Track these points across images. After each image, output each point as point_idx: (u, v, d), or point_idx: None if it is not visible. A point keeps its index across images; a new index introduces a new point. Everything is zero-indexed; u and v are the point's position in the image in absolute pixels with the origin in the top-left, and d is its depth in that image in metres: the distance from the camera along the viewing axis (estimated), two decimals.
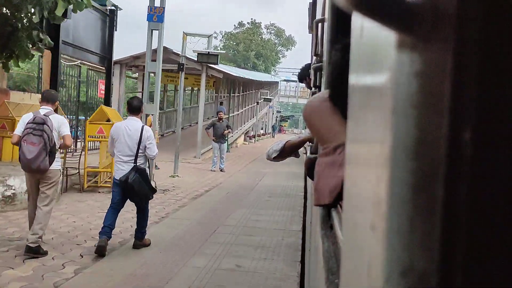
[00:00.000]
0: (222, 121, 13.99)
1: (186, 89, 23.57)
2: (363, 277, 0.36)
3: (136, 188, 5.05)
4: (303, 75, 4.48)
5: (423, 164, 0.28)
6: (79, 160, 8.78)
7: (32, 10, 7.01)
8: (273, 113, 50.41)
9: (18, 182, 6.80)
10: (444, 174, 0.27)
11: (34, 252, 4.72)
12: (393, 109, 0.30)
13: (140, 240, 5.28)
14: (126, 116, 5.86)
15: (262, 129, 46.40)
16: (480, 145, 0.26)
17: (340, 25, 1.66)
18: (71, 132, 5.40)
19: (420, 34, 0.29)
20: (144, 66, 12.15)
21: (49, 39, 7.55)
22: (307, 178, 4.58)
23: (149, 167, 5.80)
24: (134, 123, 5.27)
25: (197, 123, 18.63)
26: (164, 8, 9.99)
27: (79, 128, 15.26)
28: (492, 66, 0.27)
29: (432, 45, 0.28)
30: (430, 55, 0.28)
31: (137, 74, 22.21)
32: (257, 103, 33.10)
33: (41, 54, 9.70)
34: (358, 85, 0.47)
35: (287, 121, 72.82)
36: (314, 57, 2.57)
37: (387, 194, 0.30)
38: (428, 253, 0.27)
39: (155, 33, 10.12)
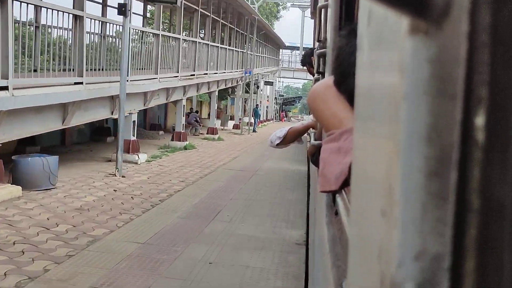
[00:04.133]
0: None
1: None
2: (373, 261, 0.37)
3: None
4: (306, 61, 4.46)
5: (436, 150, 0.28)
6: None
7: None
8: (258, 86, 30.05)
9: None
10: (457, 159, 0.27)
11: None
12: (404, 96, 0.30)
13: None
14: None
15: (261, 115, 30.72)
16: (493, 130, 0.26)
17: (345, 11, 1.65)
18: None
19: (432, 19, 0.29)
20: None
21: None
22: (310, 165, 4.59)
23: None
24: None
25: None
26: None
27: None
28: (505, 50, 0.26)
29: (445, 30, 0.28)
30: (442, 40, 0.28)
31: None
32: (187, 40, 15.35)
33: None
34: (367, 72, 0.47)
35: (293, 105, 52.91)
36: (317, 43, 2.55)
37: (399, 180, 0.30)
38: (441, 238, 0.27)
39: None
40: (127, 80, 9.98)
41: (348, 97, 1.05)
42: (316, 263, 2.02)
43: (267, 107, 40.09)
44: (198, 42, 16.95)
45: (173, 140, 15.64)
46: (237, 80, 26.05)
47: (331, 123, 1.06)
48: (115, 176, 9.50)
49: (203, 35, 20.66)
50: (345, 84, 1.05)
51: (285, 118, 45.74)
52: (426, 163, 0.28)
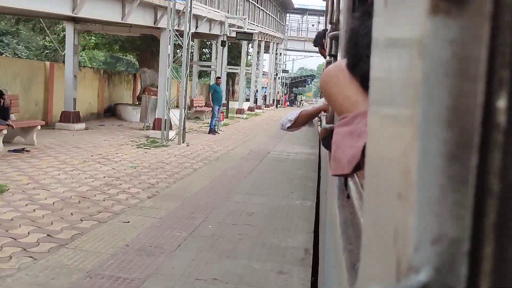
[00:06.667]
0: None
1: None
2: (389, 245, 0.36)
3: None
4: (318, 43, 4.41)
5: (456, 133, 0.28)
6: None
7: None
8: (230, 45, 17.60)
9: None
10: (478, 142, 0.26)
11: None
12: (424, 78, 0.30)
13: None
14: None
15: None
16: None
17: None
18: None
19: None
20: None
21: None
22: (321, 148, 4.59)
23: None
24: None
25: None
26: None
27: None
28: None
29: (467, 10, 0.27)
30: (464, 20, 0.28)
31: None
32: None
33: None
34: (383, 54, 0.46)
35: (305, 86, 40.93)
36: (329, 25, 2.52)
37: (417, 163, 0.30)
38: (460, 222, 0.27)
39: None
40: None
41: (361, 80, 1.04)
42: (327, 246, 2.03)
43: (264, 87, 26.88)
44: None
45: None
46: (154, 18, 12.35)
47: (343, 106, 1.05)
48: None
49: None
50: (359, 66, 1.04)
51: (288, 103, 33.29)
52: (445, 146, 0.28)
